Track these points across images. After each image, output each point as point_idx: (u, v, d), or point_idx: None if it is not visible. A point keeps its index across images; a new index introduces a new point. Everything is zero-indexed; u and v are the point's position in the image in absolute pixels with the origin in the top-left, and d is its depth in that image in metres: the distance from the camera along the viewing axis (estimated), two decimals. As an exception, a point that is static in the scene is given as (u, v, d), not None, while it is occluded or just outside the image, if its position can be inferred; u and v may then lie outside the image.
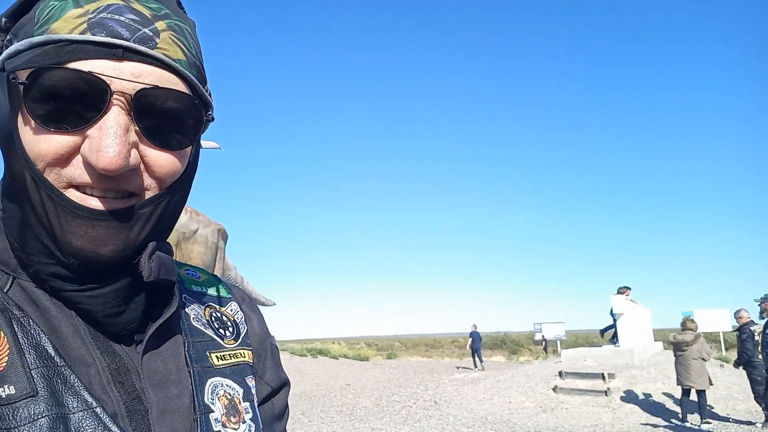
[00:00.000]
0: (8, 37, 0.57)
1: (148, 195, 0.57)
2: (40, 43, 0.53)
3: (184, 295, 0.71)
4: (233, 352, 0.71)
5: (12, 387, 0.49)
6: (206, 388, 0.64)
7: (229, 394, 0.66)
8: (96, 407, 0.52)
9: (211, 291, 0.77)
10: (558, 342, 26.34)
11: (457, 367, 23.53)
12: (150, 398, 0.58)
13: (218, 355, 0.68)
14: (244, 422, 0.66)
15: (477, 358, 23.17)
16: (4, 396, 0.49)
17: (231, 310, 0.77)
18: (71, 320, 0.57)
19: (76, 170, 0.53)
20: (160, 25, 0.56)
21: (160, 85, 0.54)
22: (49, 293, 0.57)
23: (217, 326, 0.72)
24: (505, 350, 35.27)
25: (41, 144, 0.52)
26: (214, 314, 0.73)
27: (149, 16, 0.55)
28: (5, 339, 0.51)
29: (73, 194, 0.54)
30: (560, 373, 12.96)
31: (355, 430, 9.42)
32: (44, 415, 0.49)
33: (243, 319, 0.77)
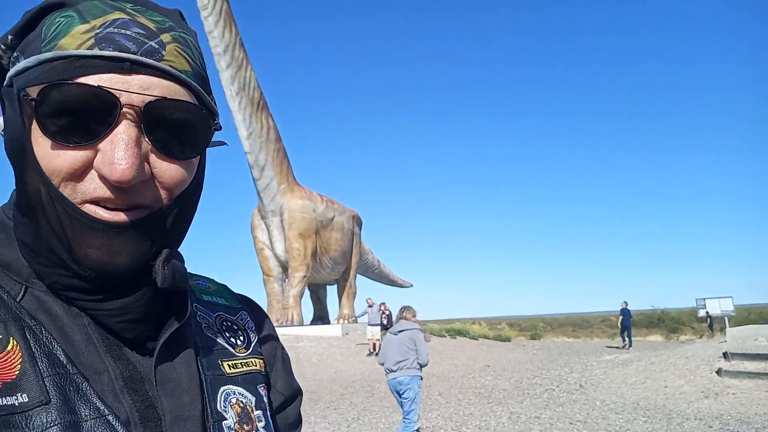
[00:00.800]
0: (15, 54, 0.58)
1: (159, 206, 0.58)
2: (49, 59, 0.54)
3: (195, 305, 0.72)
4: (244, 361, 0.71)
5: (25, 395, 0.50)
6: (218, 396, 0.65)
7: (242, 402, 0.67)
8: (108, 415, 0.53)
9: (221, 300, 0.78)
10: (726, 319, 23.63)
11: (607, 347, 22.11)
12: (163, 405, 0.58)
13: (230, 363, 0.69)
14: (257, 430, 0.67)
15: (626, 337, 21.68)
16: (17, 404, 0.50)
17: (241, 319, 0.77)
18: (84, 329, 0.58)
19: (91, 185, 0.54)
20: (165, 37, 0.57)
21: (168, 97, 0.55)
22: (64, 302, 0.58)
23: (228, 335, 0.72)
24: (662, 329, 32.37)
25: (56, 159, 0.53)
26: (225, 323, 0.74)
27: (154, 29, 0.57)
28: (18, 347, 0.53)
29: (88, 208, 0.55)
30: (725, 354, 11.52)
31: (493, 413, 9.19)
32: (57, 422, 0.50)
33: (253, 328, 0.78)
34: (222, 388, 0.65)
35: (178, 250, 0.64)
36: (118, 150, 0.52)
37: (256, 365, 0.72)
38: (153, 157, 0.56)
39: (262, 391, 0.71)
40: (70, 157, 0.53)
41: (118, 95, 0.53)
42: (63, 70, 0.53)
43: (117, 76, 0.53)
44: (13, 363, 0.52)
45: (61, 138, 0.53)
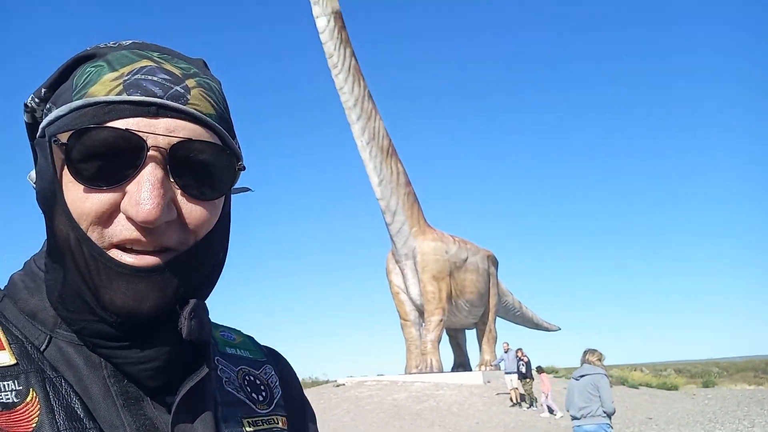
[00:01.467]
0: (48, 105, 0.60)
1: (184, 248, 0.58)
2: (80, 107, 0.56)
3: (217, 358, 0.71)
4: (266, 418, 0.70)
5: None
6: None
7: None
8: None
9: (246, 353, 0.76)
10: None
11: (802, 399, 18.63)
12: None
13: (250, 420, 0.68)
14: None
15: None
16: None
17: (265, 374, 0.76)
18: (103, 381, 0.58)
19: (117, 227, 0.55)
20: (190, 82, 0.59)
21: (194, 138, 0.57)
22: (90, 349, 0.59)
23: (249, 390, 0.71)
24: None
25: (84, 204, 0.55)
26: (247, 378, 0.73)
27: (180, 75, 0.59)
28: (37, 400, 0.53)
29: (114, 253, 0.56)
30: None
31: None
32: None
33: (277, 383, 0.76)
34: None
35: (204, 302, 0.64)
36: (144, 191, 0.53)
37: (278, 423, 0.71)
38: (179, 198, 0.57)
39: None
40: (98, 200, 0.55)
41: (145, 137, 0.54)
42: (93, 116, 0.55)
43: (144, 119, 0.55)
44: (32, 415, 0.52)
45: (91, 182, 0.54)
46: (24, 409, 0.52)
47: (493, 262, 25.66)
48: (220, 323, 0.79)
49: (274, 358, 0.80)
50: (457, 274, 22.45)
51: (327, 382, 24.58)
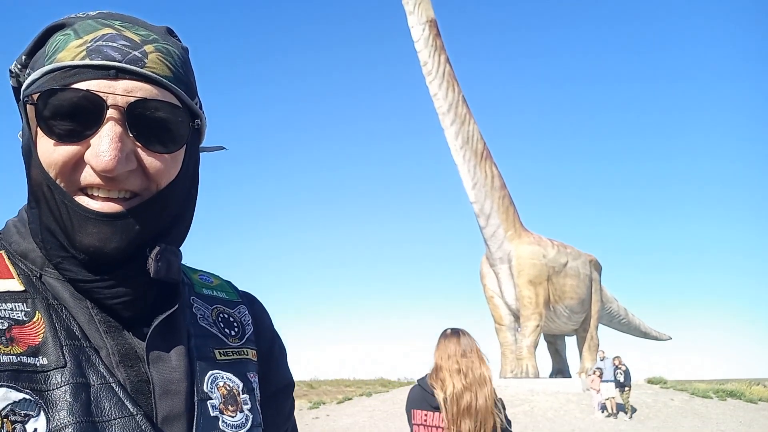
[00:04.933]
0: (28, 71, 0.68)
1: (147, 195, 0.66)
2: (49, 71, 0.64)
3: (192, 297, 0.78)
4: (236, 350, 0.77)
5: (46, 358, 0.60)
6: (206, 378, 0.71)
7: (228, 385, 0.72)
8: (113, 383, 0.62)
9: (222, 294, 0.83)
10: None
11: None
12: (154, 380, 0.66)
13: (221, 351, 0.75)
14: (241, 411, 0.72)
15: None
16: (38, 365, 0.59)
17: (239, 313, 0.82)
18: (87, 311, 0.66)
19: (83, 174, 0.63)
20: (148, 48, 0.66)
21: (149, 98, 0.64)
22: (70, 283, 0.66)
23: (222, 326, 0.78)
24: None
25: (53, 155, 0.63)
26: (221, 315, 0.79)
27: (139, 41, 0.65)
28: (42, 319, 0.62)
29: (81, 199, 0.64)
30: None
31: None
32: (70, 382, 0.59)
33: (250, 322, 0.83)
34: (210, 372, 0.71)
35: (175, 247, 0.71)
36: (104, 144, 0.61)
37: (247, 354, 0.78)
38: (139, 151, 0.64)
39: (252, 378, 0.76)
40: (65, 152, 0.62)
41: (104, 97, 0.62)
42: (60, 78, 0.62)
43: (104, 81, 0.62)
44: (39, 331, 0.61)
45: (58, 136, 0.62)
46: (32, 326, 0.61)
47: (596, 267, 24.60)
48: (200, 268, 0.87)
49: (248, 300, 0.87)
50: (556, 279, 21.80)
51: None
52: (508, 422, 2.56)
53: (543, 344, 23.37)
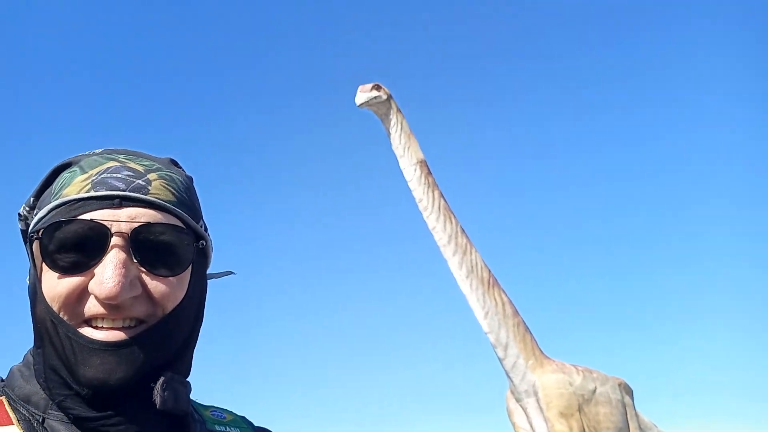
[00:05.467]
0: (35, 211, 0.68)
1: (153, 321, 0.64)
2: (55, 206, 0.64)
3: None
4: None
5: None
6: None
7: None
8: None
9: (236, 431, 0.80)
10: None
11: None
12: None
13: None
14: None
15: None
16: None
17: None
18: None
19: (87, 306, 0.62)
20: (152, 176, 0.67)
21: (153, 222, 0.64)
22: (74, 423, 0.63)
23: None
24: None
25: (56, 288, 0.62)
26: None
27: (142, 171, 0.67)
28: None
29: (86, 330, 0.62)
30: None
31: None
32: None
33: None
34: None
35: (182, 377, 0.69)
36: (107, 271, 0.60)
37: None
38: (144, 276, 0.63)
39: None
40: (69, 283, 0.62)
41: (109, 225, 0.62)
42: (65, 212, 0.63)
43: (108, 210, 0.63)
44: None
45: (62, 269, 0.61)
46: None
47: (627, 390, 22.87)
48: (210, 404, 0.84)
49: None
50: (587, 408, 20.21)
51: None
52: None
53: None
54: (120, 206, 0.63)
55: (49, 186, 0.68)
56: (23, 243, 0.72)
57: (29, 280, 0.68)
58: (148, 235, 0.63)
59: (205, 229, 0.73)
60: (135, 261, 0.62)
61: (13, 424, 0.62)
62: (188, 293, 0.67)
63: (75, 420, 0.63)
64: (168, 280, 0.64)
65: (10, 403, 0.65)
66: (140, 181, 0.65)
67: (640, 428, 23.35)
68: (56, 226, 0.62)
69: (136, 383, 0.62)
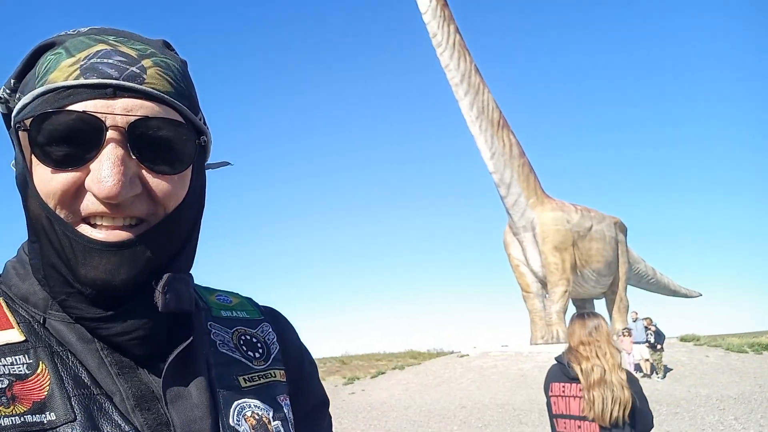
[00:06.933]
0: (18, 95, 0.63)
1: (155, 220, 0.61)
2: (41, 93, 0.59)
3: (210, 323, 0.73)
4: (263, 373, 0.72)
5: (53, 413, 0.55)
6: (231, 410, 0.66)
7: (257, 414, 0.68)
8: (129, 431, 0.57)
9: (243, 314, 0.78)
10: None
11: None
12: (174, 421, 0.61)
13: (246, 377, 0.70)
14: None
15: None
16: (46, 422, 0.54)
17: (262, 332, 0.77)
18: (97, 353, 0.61)
19: (84, 203, 0.58)
20: (146, 63, 0.61)
21: (151, 116, 0.59)
22: (77, 322, 0.61)
23: (245, 349, 0.73)
24: None
25: (50, 183, 0.58)
26: (243, 337, 0.75)
27: (136, 56, 0.61)
28: (47, 371, 0.57)
29: (84, 229, 0.59)
30: None
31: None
32: None
33: (275, 340, 0.78)
34: (236, 402, 0.66)
35: (184, 274, 0.66)
36: (105, 168, 0.56)
37: (276, 376, 0.73)
38: (144, 173, 0.59)
39: (282, 401, 0.72)
40: (63, 180, 0.57)
41: (103, 118, 0.57)
42: (53, 101, 0.58)
43: (101, 101, 0.57)
44: (43, 385, 0.56)
45: (55, 163, 0.57)
46: (36, 379, 0.56)
47: (621, 228, 24.31)
48: (218, 288, 0.81)
49: (271, 316, 0.81)
50: (582, 243, 21.63)
51: (452, 353, 24.95)
52: (642, 399, 2.85)
53: (572, 308, 23.33)
54: (114, 96, 0.58)
55: (31, 68, 0.62)
56: (5, 127, 0.66)
57: (15, 168, 0.64)
58: (146, 129, 0.58)
59: (203, 122, 0.68)
60: (133, 157, 0.58)
61: (12, 327, 0.59)
62: (189, 190, 0.64)
63: (77, 320, 0.61)
64: (170, 178, 0.61)
65: (8, 304, 0.62)
66: (134, 68, 0.59)
67: (629, 262, 25.20)
68: (44, 116, 0.57)
69: (140, 283, 0.60)
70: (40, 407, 0.55)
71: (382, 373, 21.15)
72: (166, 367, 0.63)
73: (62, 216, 0.59)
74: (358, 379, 20.91)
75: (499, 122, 20.90)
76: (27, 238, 0.65)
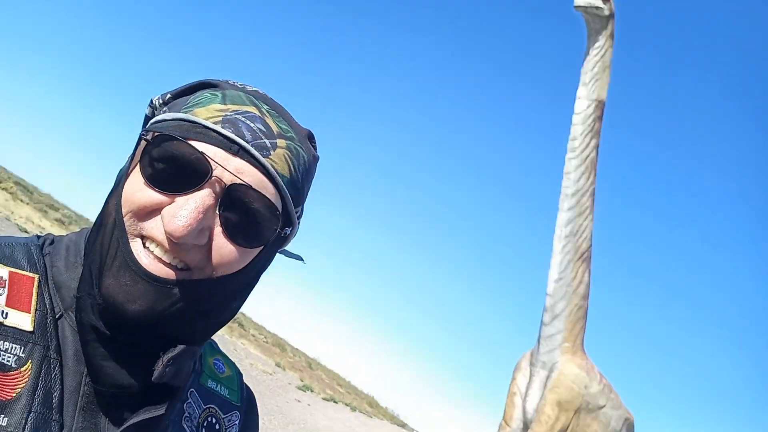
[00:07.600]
0: (165, 108, 0.67)
1: (198, 276, 0.61)
2: (181, 119, 0.62)
3: (191, 390, 0.72)
4: None
5: (6, 419, 0.55)
6: None
7: None
8: None
9: (224, 392, 0.77)
10: None
11: None
12: None
13: None
14: None
15: None
16: (2, 424, 0.55)
17: (228, 421, 0.76)
18: (79, 376, 0.62)
19: (152, 224, 0.60)
20: (280, 142, 0.64)
21: (254, 186, 0.61)
22: (80, 331, 0.62)
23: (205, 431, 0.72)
24: None
25: (136, 193, 0.60)
26: (208, 419, 0.73)
27: (275, 132, 0.64)
28: (30, 372, 0.57)
29: (136, 245, 0.60)
30: None
31: None
32: None
33: None
34: None
35: (195, 348, 0.66)
36: (186, 207, 0.57)
37: None
38: (216, 231, 0.61)
39: None
40: (148, 196, 0.59)
41: (214, 167, 0.59)
42: (185, 130, 0.61)
43: (222, 152, 0.60)
44: (18, 384, 0.56)
45: (150, 178, 0.59)
46: (15, 376, 0.56)
47: (629, 427, 22.56)
48: (222, 351, 0.81)
49: (247, 405, 0.80)
50: (584, 416, 19.93)
51: (404, 425, 24.03)
52: None
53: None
54: (235, 154, 0.60)
55: (188, 95, 0.67)
56: (142, 126, 0.70)
57: (123, 167, 0.67)
58: (242, 196, 0.60)
59: (300, 216, 0.70)
60: (218, 213, 0.60)
61: (29, 313, 0.60)
62: (247, 267, 0.64)
63: (80, 328, 0.61)
64: (236, 248, 0.61)
65: (39, 286, 0.62)
66: (267, 141, 0.62)
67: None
68: (168, 138, 0.60)
69: (148, 322, 0.59)
70: (1, 407, 0.55)
71: (335, 402, 20.86)
72: (125, 426, 0.62)
73: (126, 224, 0.61)
74: (312, 391, 20.58)
75: (583, 254, 19.88)
76: (93, 226, 0.66)
